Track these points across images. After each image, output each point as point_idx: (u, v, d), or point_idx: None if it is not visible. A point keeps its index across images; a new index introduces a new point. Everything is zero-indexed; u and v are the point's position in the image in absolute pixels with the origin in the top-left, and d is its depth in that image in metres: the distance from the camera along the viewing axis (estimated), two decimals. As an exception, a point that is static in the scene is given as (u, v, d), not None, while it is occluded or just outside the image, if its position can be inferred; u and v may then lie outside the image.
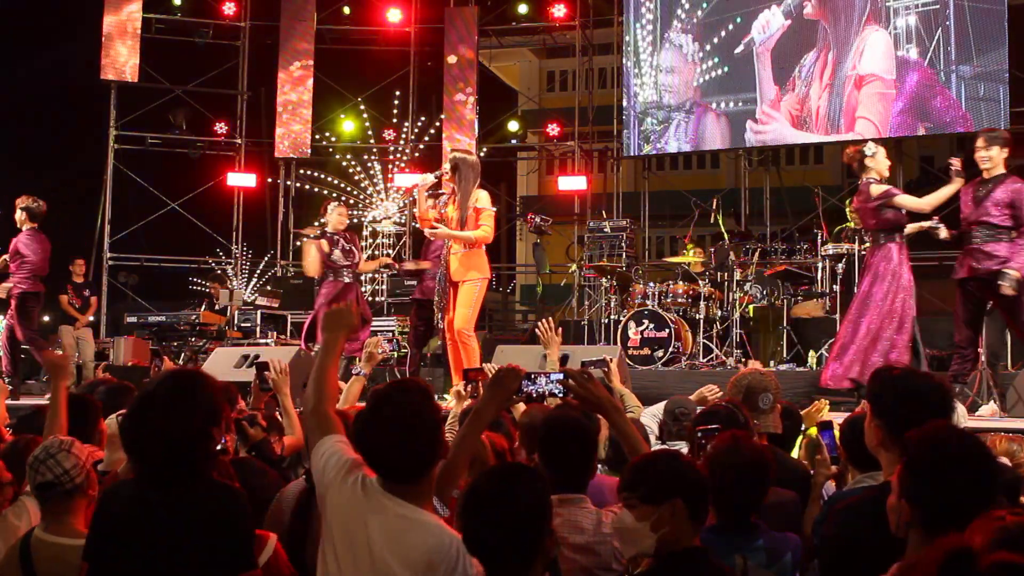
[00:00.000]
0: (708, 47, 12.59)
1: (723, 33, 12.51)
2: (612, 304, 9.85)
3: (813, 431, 3.55)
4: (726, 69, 12.48)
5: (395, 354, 9.72)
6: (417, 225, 8.26)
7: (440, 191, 7.03)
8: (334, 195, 14.93)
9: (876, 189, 6.28)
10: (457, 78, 14.07)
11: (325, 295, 8.20)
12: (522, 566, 2.11)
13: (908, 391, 2.44)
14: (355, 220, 14.92)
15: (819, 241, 8.90)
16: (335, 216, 8.39)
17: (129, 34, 13.84)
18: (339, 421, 2.58)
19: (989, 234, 6.09)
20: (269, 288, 12.46)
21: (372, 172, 15.09)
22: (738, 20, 12.38)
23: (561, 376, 2.80)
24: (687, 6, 12.70)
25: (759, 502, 2.65)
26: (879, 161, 6.41)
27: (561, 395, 2.87)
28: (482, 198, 6.91)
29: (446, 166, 6.91)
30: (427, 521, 2.29)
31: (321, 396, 2.62)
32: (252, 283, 14.98)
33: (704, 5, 12.63)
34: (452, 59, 13.99)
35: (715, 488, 2.63)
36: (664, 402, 4.62)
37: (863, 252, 8.01)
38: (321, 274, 8.32)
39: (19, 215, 8.53)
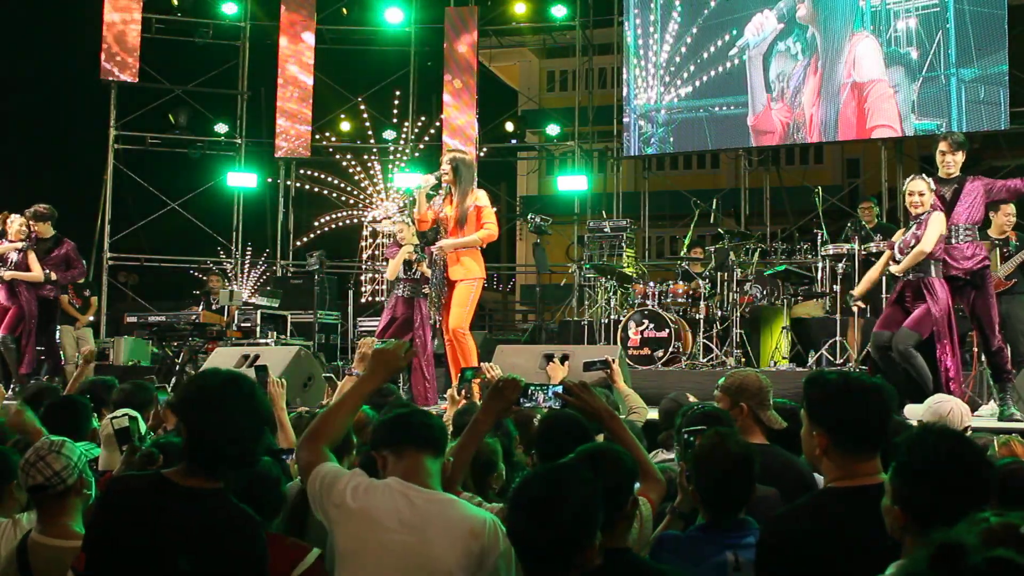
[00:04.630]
0: (706, 54, 12.66)
1: (724, 38, 12.57)
2: (612, 304, 9.85)
3: None
4: (721, 71, 12.56)
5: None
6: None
7: (439, 191, 7.02)
8: (334, 195, 14.96)
9: None
10: (457, 78, 14.07)
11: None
12: (563, 569, 2.08)
13: (847, 395, 2.37)
14: (355, 220, 14.95)
15: (819, 241, 8.89)
16: (408, 230, 7.96)
17: (129, 34, 13.85)
18: (327, 455, 2.54)
19: None
20: (269, 288, 12.46)
21: (372, 172, 15.08)
22: (733, 31, 12.47)
23: (559, 388, 2.84)
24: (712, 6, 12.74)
25: (747, 498, 2.65)
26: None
27: (559, 407, 2.90)
28: (481, 197, 6.90)
29: (445, 167, 6.89)
30: (457, 499, 2.37)
31: (322, 435, 2.54)
32: (252, 283, 14.97)
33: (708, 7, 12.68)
34: (457, 84, 14.01)
35: (702, 486, 2.64)
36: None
37: (864, 252, 8.02)
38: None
39: (41, 226, 8.67)
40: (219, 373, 2.42)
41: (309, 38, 14.47)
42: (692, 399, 4.67)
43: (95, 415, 4.12)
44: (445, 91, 14.15)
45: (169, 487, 2.27)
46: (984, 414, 6.17)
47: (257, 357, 6.99)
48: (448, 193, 6.90)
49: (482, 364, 5.61)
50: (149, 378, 8.20)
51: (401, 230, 8.04)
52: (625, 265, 10.00)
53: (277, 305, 11.34)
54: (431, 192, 6.98)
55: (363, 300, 14.07)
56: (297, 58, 14.38)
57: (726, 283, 8.95)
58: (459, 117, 14.05)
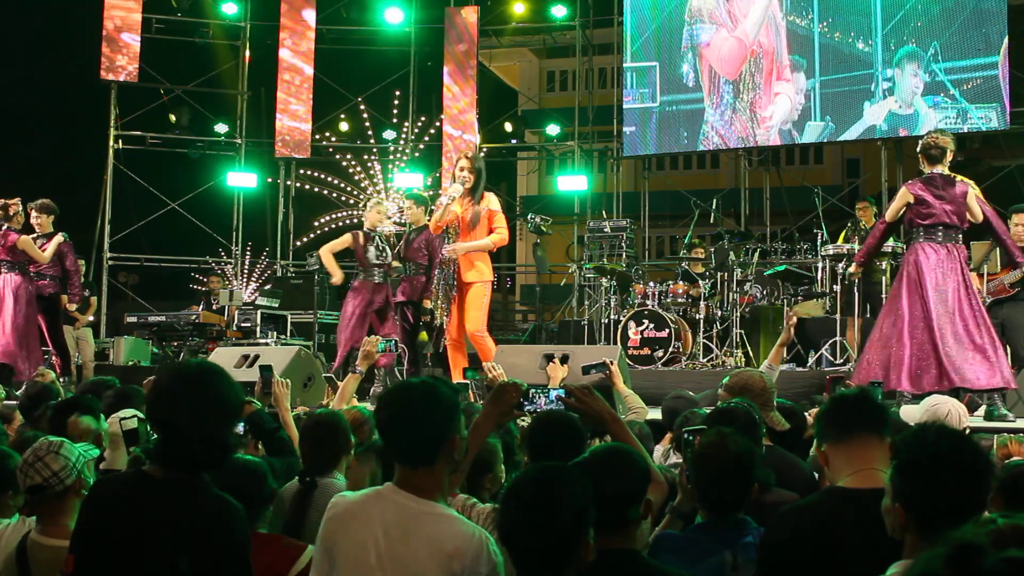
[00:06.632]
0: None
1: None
2: (612, 304, 9.84)
3: None
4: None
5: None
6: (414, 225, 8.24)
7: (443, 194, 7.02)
8: (334, 195, 14.95)
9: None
10: (457, 78, 14.07)
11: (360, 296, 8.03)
12: (557, 569, 2.07)
13: (833, 399, 2.47)
14: (355, 220, 14.94)
15: (819, 241, 8.89)
16: (373, 213, 8.20)
17: (129, 34, 13.85)
18: None
19: None
20: (269, 288, 12.46)
21: (372, 172, 15.08)
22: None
23: (561, 392, 2.84)
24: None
25: (744, 498, 2.65)
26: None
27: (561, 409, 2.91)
28: (493, 201, 6.92)
29: (468, 175, 6.86)
30: (447, 513, 2.29)
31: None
32: (252, 283, 14.97)
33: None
34: (461, 47, 13.98)
35: (700, 486, 2.64)
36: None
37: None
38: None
39: (44, 219, 8.60)
40: (181, 369, 2.39)
41: (309, 38, 14.45)
42: (692, 395, 4.68)
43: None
44: (445, 65, 14.07)
45: (148, 481, 2.26)
46: (983, 414, 6.15)
47: (257, 357, 6.98)
48: (459, 195, 6.90)
49: (484, 364, 5.61)
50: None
51: (377, 210, 8.13)
52: (624, 266, 10.00)
53: (277, 305, 11.34)
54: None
55: (363, 300, 14.04)
56: (297, 58, 14.35)
57: (726, 283, 8.95)
58: (459, 118, 14.03)
